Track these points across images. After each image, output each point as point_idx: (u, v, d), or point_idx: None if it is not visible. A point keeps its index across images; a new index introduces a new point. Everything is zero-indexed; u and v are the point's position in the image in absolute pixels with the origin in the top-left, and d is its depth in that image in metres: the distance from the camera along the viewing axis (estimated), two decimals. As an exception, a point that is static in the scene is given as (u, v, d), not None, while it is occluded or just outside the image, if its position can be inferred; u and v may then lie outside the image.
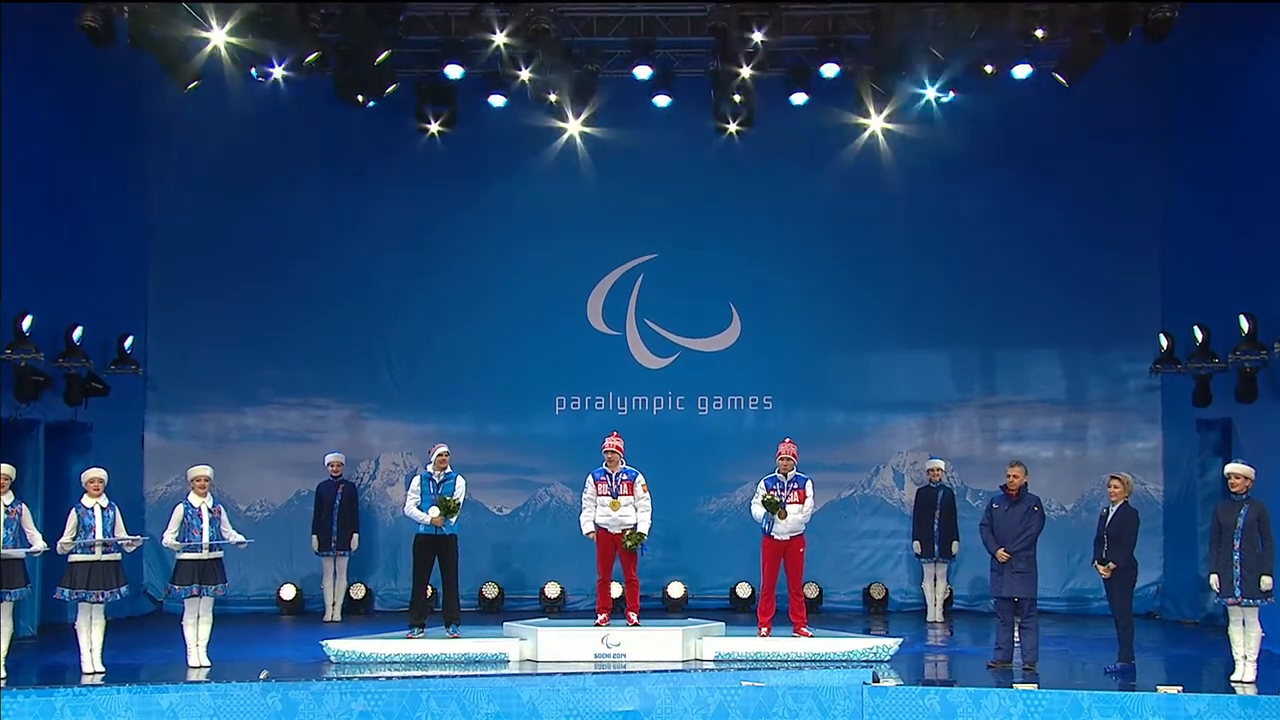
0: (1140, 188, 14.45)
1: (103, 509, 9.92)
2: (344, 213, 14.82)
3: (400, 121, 14.55)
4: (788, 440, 11.04)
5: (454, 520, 10.89)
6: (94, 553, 9.82)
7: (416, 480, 11.02)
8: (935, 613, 13.57)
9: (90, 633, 9.82)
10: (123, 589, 10.03)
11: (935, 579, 13.62)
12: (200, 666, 10.03)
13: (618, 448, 10.82)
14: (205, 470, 10.46)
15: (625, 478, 10.76)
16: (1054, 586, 13.77)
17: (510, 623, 11.22)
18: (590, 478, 10.87)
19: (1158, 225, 14.37)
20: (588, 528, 10.88)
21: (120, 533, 9.96)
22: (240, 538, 10.46)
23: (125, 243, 14.41)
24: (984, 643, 11.31)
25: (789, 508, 10.66)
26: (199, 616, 10.16)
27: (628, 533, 10.74)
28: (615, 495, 10.70)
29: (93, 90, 13.35)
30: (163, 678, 9.27)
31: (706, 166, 14.80)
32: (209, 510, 10.26)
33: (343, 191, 14.79)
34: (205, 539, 10.17)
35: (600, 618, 10.83)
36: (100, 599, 9.83)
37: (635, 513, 10.76)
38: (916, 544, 13.65)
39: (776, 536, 10.74)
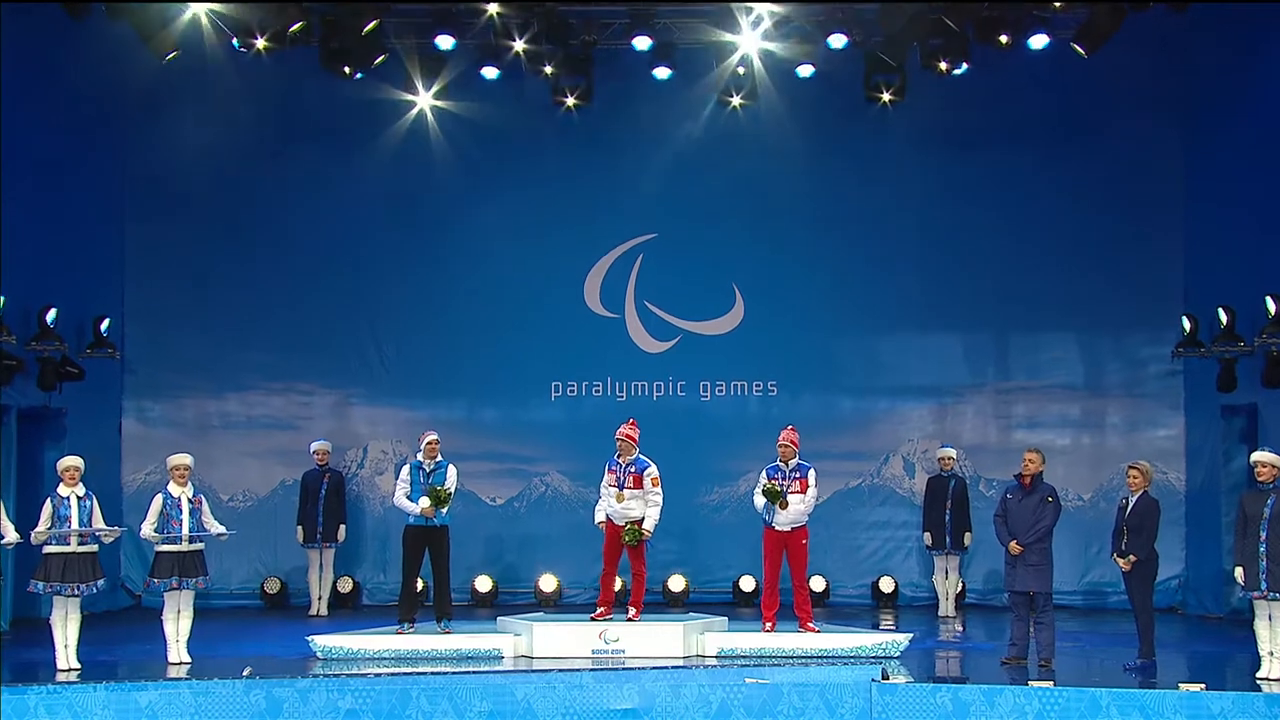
0: (1161, 163, 14.32)
1: (79, 498, 9.77)
2: (330, 189, 14.66)
3: (389, 94, 14.33)
4: (789, 427, 10.85)
5: (445, 511, 10.70)
6: (70, 544, 9.65)
7: (406, 469, 10.84)
8: (947, 607, 13.45)
9: (65, 627, 9.64)
10: (99, 582, 9.87)
11: (947, 572, 13.50)
12: (181, 663, 9.86)
13: (628, 436, 10.60)
14: (185, 458, 10.27)
15: (634, 470, 10.52)
16: (1071, 580, 13.79)
17: (504, 617, 11.06)
18: (606, 466, 10.68)
19: (1180, 202, 14.24)
20: (599, 518, 10.70)
21: (97, 523, 9.82)
22: (222, 529, 10.36)
23: (101, 221, 14.25)
24: (998, 638, 11.20)
25: (790, 497, 10.49)
26: (179, 611, 10.00)
27: (628, 526, 10.50)
28: (621, 487, 10.50)
29: (67, 64, 13.15)
30: (141, 674, 9.11)
31: (708, 142, 14.61)
32: (189, 500, 10.09)
33: (329, 167, 14.61)
34: (185, 530, 10.00)
35: (599, 611, 10.59)
36: (76, 592, 9.66)
37: (643, 507, 10.50)
38: (927, 535, 13.53)
39: (777, 527, 10.57)
